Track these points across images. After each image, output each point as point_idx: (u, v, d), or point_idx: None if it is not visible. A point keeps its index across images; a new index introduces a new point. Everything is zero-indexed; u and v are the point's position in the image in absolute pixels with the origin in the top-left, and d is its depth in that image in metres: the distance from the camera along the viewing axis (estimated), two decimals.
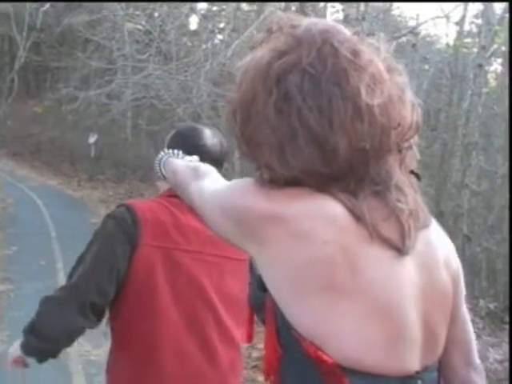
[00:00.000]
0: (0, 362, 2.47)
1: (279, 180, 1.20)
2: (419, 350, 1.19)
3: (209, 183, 1.42)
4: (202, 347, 2.11)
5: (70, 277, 2.20)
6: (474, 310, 5.02)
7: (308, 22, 1.25)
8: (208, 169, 1.56)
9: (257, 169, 1.26)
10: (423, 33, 15.06)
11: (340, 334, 1.10)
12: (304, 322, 1.12)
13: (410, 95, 1.26)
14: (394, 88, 1.22)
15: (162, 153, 1.94)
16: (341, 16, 11.08)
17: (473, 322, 4.33)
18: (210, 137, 2.19)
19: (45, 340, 2.11)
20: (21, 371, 2.26)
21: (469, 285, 11.31)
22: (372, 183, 1.20)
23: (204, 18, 17.23)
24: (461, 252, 13.12)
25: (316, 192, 1.17)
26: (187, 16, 18.11)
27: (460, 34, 13.94)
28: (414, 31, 13.30)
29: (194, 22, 20.16)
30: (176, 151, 1.97)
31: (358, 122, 1.16)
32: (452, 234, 13.52)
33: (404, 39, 14.32)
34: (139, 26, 18.69)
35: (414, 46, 13.69)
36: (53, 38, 27.89)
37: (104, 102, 19.14)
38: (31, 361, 2.25)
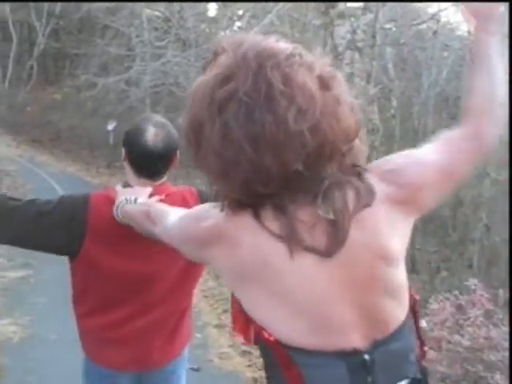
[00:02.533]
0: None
1: (228, 201, 1.40)
2: (358, 330, 1.37)
3: (163, 224, 1.74)
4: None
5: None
6: (492, 299, 5.01)
7: (247, 45, 1.34)
8: (157, 210, 1.87)
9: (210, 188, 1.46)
10: (444, 19, 14.88)
11: (272, 321, 1.38)
12: (254, 311, 1.41)
13: (347, 102, 1.34)
14: (327, 104, 1.30)
15: (118, 201, 2.14)
16: (361, 3, 10.95)
17: (491, 311, 4.27)
18: (152, 135, 2.27)
19: None
20: None
21: (487, 274, 11.18)
22: (305, 193, 1.33)
23: (223, 4, 17.14)
24: (480, 242, 12.98)
25: (251, 215, 1.37)
26: (206, 3, 18.05)
27: None
28: (434, 18, 13.13)
29: (212, 9, 20.08)
30: (130, 198, 2.14)
31: (289, 147, 1.27)
32: (471, 223, 13.37)
33: (424, 26, 14.15)
34: (158, 13, 18.63)
35: (435, 32, 13.52)
36: (72, 25, 27.94)
37: (123, 88, 19.10)
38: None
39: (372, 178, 1.41)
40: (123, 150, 2.34)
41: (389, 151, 15.57)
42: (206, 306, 7.21)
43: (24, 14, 28.11)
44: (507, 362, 4.39)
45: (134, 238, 2.14)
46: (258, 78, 1.29)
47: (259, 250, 1.36)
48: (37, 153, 23.33)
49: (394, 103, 14.75)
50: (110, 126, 22.59)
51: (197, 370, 5.43)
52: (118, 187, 2.26)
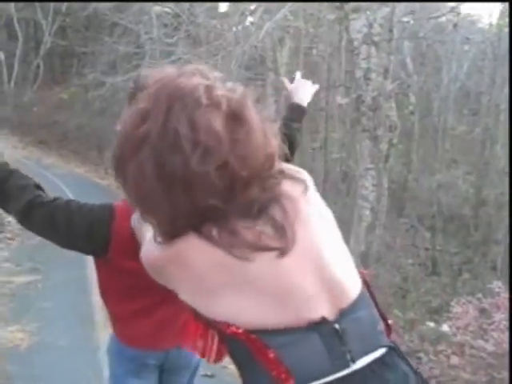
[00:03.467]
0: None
1: (163, 233, 1.50)
2: (323, 301, 1.46)
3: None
4: None
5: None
6: None
7: (161, 84, 1.43)
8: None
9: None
10: (464, 12, 14.47)
11: (240, 314, 1.45)
12: (218, 313, 1.47)
13: (260, 130, 1.41)
14: (236, 141, 1.36)
15: (134, 215, 2.20)
16: None
17: None
18: None
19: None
20: None
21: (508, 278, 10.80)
22: (238, 212, 1.42)
23: None
24: (503, 242, 12.59)
25: (192, 235, 1.45)
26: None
27: (503, 13, 13.27)
28: (454, 10, 12.79)
29: (223, 4, 19.75)
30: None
31: (198, 186, 1.37)
32: (494, 223, 13.00)
33: (444, 19, 13.78)
34: (167, 9, 18.34)
35: (455, 25, 13.14)
36: (79, 23, 27.73)
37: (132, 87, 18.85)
38: None
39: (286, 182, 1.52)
40: None
41: (408, 149, 15.27)
42: None
43: (30, 12, 27.93)
44: None
45: None
46: (166, 121, 1.38)
47: (221, 263, 1.44)
48: (44, 154, 23.25)
49: (413, 99, 14.42)
50: (119, 126, 22.37)
51: (211, 376, 5.16)
52: None
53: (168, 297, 2.30)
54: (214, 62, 15.43)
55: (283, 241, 1.45)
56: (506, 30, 12.63)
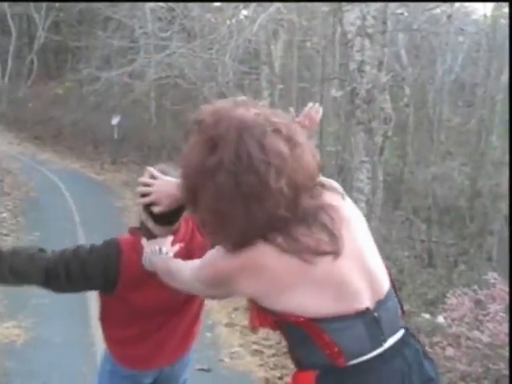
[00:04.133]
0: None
1: (233, 245, 1.80)
2: (366, 294, 1.84)
3: (181, 281, 2.19)
4: None
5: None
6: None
7: (226, 118, 1.70)
8: (176, 268, 2.27)
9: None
10: (458, 3, 14.42)
11: (307, 305, 1.78)
12: (287, 306, 1.80)
13: (309, 150, 1.77)
14: (296, 160, 1.70)
15: (145, 253, 2.46)
16: None
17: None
18: None
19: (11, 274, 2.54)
20: None
21: (507, 268, 10.80)
22: (296, 220, 1.74)
23: None
24: (499, 234, 12.61)
25: (262, 243, 1.76)
26: None
27: (498, 4, 13.25)
28: (448, 1, 12.76)
29: None
30: (154, 248, 2.46)
31: (273, 200, 1.67)
32: (490, 214, 13.01)
33: (438, 10, 13.76)
34: (161, 3, 18.24)
35: (449, 17, 13.11)
36: (72, 17, 27.52)
37: (126, 82, 18.79)
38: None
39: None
40: (141, 200, 2.52)
41: (403, 141, 15.26)
42: (216, 305, 7.08)
43: (23, 7, 27.72)
44: None
45: (158, 279, 2.43)
46: (239, 148, 1.65)
47: (290, 266, 1.77)
48: (39, 150, 23.15)
49: (407, 91, 14.40)
50: (115, 121, 22.23)
51: (207, 370, 5.18)
52: (144, 241, 2.52)
53: (164, 322, 2.74)
54: (208, 56, 15.41)
55: (336, 245, 1.79)
56: (502, 21, 12.63)
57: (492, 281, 5.03)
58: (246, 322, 6.77)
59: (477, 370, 4.62)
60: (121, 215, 13.24)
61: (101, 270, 2.55)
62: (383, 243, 10.01)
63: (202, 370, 4.31)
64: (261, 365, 5.63)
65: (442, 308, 5.53)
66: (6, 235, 10.43)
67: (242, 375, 5.20)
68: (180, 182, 1.84)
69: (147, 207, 2.49)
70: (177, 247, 2.50)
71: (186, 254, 2.48)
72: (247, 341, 5.89)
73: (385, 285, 1.93)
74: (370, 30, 9.57)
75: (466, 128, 14.99)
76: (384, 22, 10.21)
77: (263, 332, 6.39)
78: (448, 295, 5.27)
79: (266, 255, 1.77)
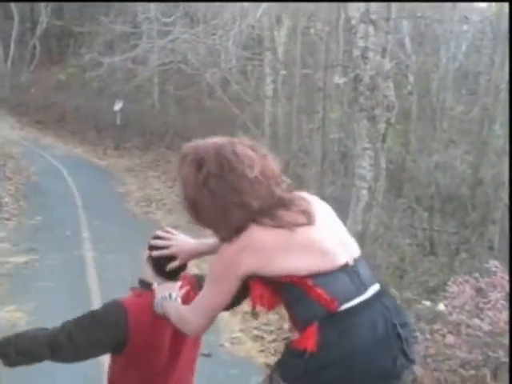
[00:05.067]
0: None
1: (230, 233, 2.29)
2: (344, 254, 2.31)
3: (192, 309, 2.51)
4: None
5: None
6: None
7: (203, 145, 2.35)
8: (186, 308, 2.56)
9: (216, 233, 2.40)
10: None
11: (297, 265, 2.24)
12: (281, 269, 2.24)
13: (270, 155, 2.37)
14: (261, 159, 2.31)
15: (156, 299, 2.63)
16: None
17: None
18: None
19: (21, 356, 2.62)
20: None
21: (507, 257, 10.80)
22: (276, 205, 2.30)
23: None
24: (501, 222, 12.58)
25: (253, 225, 2.27)
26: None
27: None
28: (450, 1, 12.68)
29: None
30: (165, 294, 2.61)
31: (253, 189, 2.27)
32: (492, 203, 12.98)
33: None
34: None
35: (453, 4, 13.02)
36: (75, 2, 27.37)
37: (129, 67, 18.73)
38: None
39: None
40: (148, 253, 2.70)
41: (406, 129, 15.21)
42: None
43: None
44: None
45: (167, 329, 2.65)
46: (219, 159, 2.25)
47: (277, 237, 2.26)
48: (41, 135, 23.14)
49: (411, 79, 14.32)
50: (117, 106, 22.16)
51: (208, 355, 5.17)
52: (155, 285, 2.67)
53: (168, 375, 2.81)
54: (211, 42, 15.35)
55: (309, 219, 2.30)
56: (506, 9, 12.52)
57: (493, 269, 5.01)
58: (247, 307, 6.78)
59: (477, 357, 4.61)
60: (123, 200, 13.25)
61: (108, 337, 2.63)
62: (385, 231, 10.01)
63: (203, 354, 4.29)
64: (261, 350, 5.65)
65: (443, 296, 5.51)
66: (8, 219, 10.46)
67: (243, 360, 5.20)
68: (183, 202, 2.41)
69: (158, 261, 2.68)
70: (183, 291, 2.67)
71: (187, 298, 2.67)
72: (248, 326, 5.90)
73: (356, 250, 2.41)
74: (374, 17, 9.52)
75: (469, 117, 14.92)
76: (388, 9, 10.16)
77: (264, 317, 6.41)
78: (449, 283, 5.23)
79: (257, 233, 2.26)
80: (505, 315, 4.63)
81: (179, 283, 2.69)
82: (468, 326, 4.75)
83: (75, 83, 24.78)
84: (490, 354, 4.56)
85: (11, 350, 2.60)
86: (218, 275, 2.37)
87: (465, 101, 15.59)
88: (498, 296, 4.79)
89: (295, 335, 2.36)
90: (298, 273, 2.24)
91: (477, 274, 5.11)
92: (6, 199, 12.05)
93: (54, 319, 5.28)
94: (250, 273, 2.30)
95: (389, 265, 9.04)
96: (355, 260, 2.34)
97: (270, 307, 2.40)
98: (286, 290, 2.29)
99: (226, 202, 2.25)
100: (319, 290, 2.23)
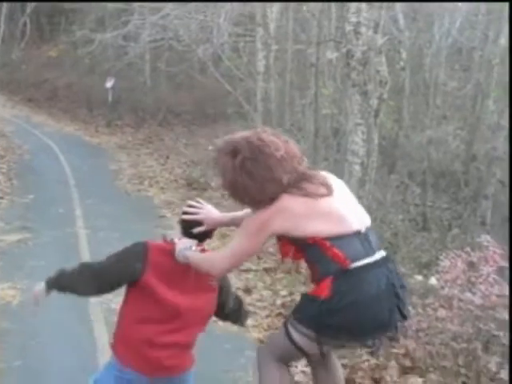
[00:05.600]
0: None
1: (270, 200, 2.82)
2: (357, 222, 2.83)
3: (219, 253, 3.15)
4: None
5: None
6: (505, 256, 4.92)
7: (232, 139, 2.87)
8: (208, 253, 3.13)
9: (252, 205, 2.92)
10: None
11: (319, 228, 2.77)
12: (306, 230, 2.77)
13: (292, 145, 2.87)
14: (284, 142, 2.82)
15: (178, 248, 3.07)
16: None
17: (504, 268, 4.21)
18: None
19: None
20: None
21: (501, 231, 10.85)
22: (301, 179, 2.81)
23: None
24: (493, 198, 12.61)
25: (284, 195, 2.79)
26: None
27: None
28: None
29: None
30: (186, 245, 3.05)
31: (280, 165, 2.76)
32: (485, 179, 13.00)
33: None
34: None
35: None
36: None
37: (121, 44, 18.58)
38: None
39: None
40: (187, 217, 3.14)
41: (398, 105, 15.18)
42: None
43: None
44: None
45: (187, 275, 3.04)
46: (250, 147, 2.77)
47: (303, 204, 2.79)
48: (33, 112, 23.02)
49: (404, 55, 14.25)
50: (109, 84, 22.03)
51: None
52: (177, 239, 3.11)
53: (180, 329, 3.12)
54: (203, 18, 15.24)
55: (329, 190, 2.81)
56: None
57: (485, 243, 5.01)
58: (240, 284, 6.80)
59: (468, 330, 4.65)
60: (116, 178, 13.21)
61: (129, 257, 3.07)
62: (378, 206, 10.02)
63: None
64: (255, 326, 5.66)
65: (435, 270, 5.52)
66: (1, 198, 10.43)
67: (236, 336, 5.21)
68: (225, 189, 2.96)
69: (187, 224, 3.12)
70: (200, 248, 3.11)
71: None
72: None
73: (368, 220, 2.93)
74: None
75: (463, 92, 14.88)
76: None
77: (257, 294, 6.44)
78: (441, 257, 5.24)
79: (287, 201, 2.78)
80: (496, 289, 4.65)
81: (196, 240, 3.12)
82: (460, 300, 4.77)
83: (66, 60, 24.64)
84: (482, 327, 4.59)
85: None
86: (254, 229, 2.83)
87: (458, 76, 15.55)
88: (490, 270, 4.80)
89: (311, 288, 2.94)
90: (319, 235, 2.77)
91: (469, 249, 5.12)
92: None
93: (47, 297, 5.27)
94: (280, 233, 2.83)
95: (382, 240, 9.05)
96: (367, 228, 2.87)
97: (295, 259, 3.10)
98: (308, 249, 2.83)
99: (261, 178, 2.75)
100: (335, 250, 2.76)
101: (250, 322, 5.70)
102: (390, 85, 9.83)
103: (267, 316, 5.86)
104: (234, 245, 2.94)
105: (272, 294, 6.39)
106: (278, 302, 6.17)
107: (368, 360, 4.84)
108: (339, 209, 2.82)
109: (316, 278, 2.85)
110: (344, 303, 2.75)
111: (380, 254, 2.86)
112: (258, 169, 2.76)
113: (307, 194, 2.79)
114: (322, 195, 2.80)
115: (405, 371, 4.69)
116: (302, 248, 2.85)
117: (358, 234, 2.82)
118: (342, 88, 12.24)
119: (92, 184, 12.01)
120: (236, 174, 2.79)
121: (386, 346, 4.96)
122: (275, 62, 13.62)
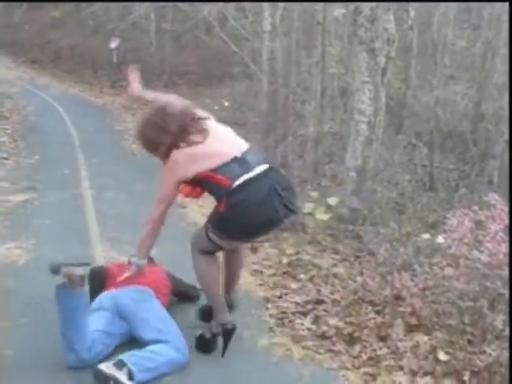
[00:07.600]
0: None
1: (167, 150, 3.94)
2: (233, 150, 3.87)
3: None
4: None
5: None
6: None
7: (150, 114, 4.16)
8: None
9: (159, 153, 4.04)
10: None
11: (206, 164, 3.81)
12: (198, 169, 3.83)
13: (189, 111, 4.07)
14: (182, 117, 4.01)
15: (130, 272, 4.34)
16: None
17: None
18: None
19: None
20: None
21: (507, 192, 10.77)
22: (187, 132, 3.91)
23: None
24: (501, 157, 12.52)
25: (174, 151, 3.88)
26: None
27: None
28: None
29: None
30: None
31: (176, 130, 3.91)
32: (493, 138, 12.89)
33: None
34: None
35: None
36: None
37: (124, 4, 18.36)
38: None
39: None
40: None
41: (406, 65, 15.00)
42: None
43: None
44: None
45: None
46: (160, 116, 4.02)
47: (189, 153, 3.83)
48: (37, 74, 22.88)
49: (412, 14, 14.03)
50: (113, 44, 21.87)
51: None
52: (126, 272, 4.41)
53: None
54: None
55: (204, 134, 3.87)
56: None
57: (492, 202, 4.95)
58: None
59: (474, 288, 4.62)
60: (121, 139, 13.17)
61: None
62: (385, 166, 9.96)
63: (201, 289, 4.32)
64: (260, 284, 5.65)
65: (442, 229, 5.48)
66: (6, 159, 10.40)
67: (242, 294, 5.19)
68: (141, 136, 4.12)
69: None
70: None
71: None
72: (247, 261, 5.88)
73: (244, 146, 3.95)
74: None
75: (471, 52, 14.68)
76: None
77: (263, 252, 6.42)
78: (448, 216, 5.19)
79: (175, 155, 3.83)
80: (503, 247, 4.62)
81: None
82: (467, 259, 4.74)
83: (70, 21, 24.38)
84: (489, 285, 4.57)
85: None
86: (166, 177, 3.90)
87: (467, 35, 15.34)
88: (497, 228, 4.75)
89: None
90: (205, 170, 3.76)
91: (476, 207, 5.07)
92: (4, 138, 11.97)
93: (53, 256, 5.29)
94: (181, 178, 3.85)
95: (388, 200, 9.02)
96: (242, 153, 3.85)
97: (197, 196, 4.09)
98: (203, 183, 3.87)
99: (162, 138, 3.89)
100: (219, 177, 3.75)
101: (256, 280, 5.72)
102: (397, 44, 9.69)
103: (273, 274, 5.85)
104: (159, 192, 3.96)
105: (278, 252, 6.38)
106: (285, 260, 6.15)
107: (374, 318, 4.84)
108: (215, 146, 3.81)
109: (217, 201, 3.85)
110: (234, 211, 3.73)
111: (261, 168, 3.82)
112: (160, 131, 3.90)
113: (189, 144, 3.80)
114: (200, 142, 3.81)
115: (411, 329, 4.68)
116: (199, 184, 3.91)
117: (235, 159, 3.79)
118: (348, 47, 12.09)
119: (97, 144, 11.98)
120: (150, 132, 3.98)
121: (392, 304, 4.97)
122: (281, 21, 13.42)
